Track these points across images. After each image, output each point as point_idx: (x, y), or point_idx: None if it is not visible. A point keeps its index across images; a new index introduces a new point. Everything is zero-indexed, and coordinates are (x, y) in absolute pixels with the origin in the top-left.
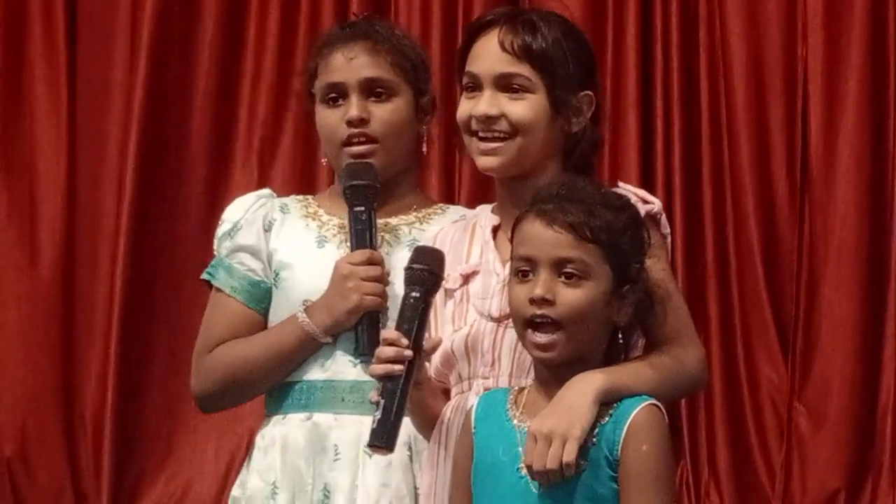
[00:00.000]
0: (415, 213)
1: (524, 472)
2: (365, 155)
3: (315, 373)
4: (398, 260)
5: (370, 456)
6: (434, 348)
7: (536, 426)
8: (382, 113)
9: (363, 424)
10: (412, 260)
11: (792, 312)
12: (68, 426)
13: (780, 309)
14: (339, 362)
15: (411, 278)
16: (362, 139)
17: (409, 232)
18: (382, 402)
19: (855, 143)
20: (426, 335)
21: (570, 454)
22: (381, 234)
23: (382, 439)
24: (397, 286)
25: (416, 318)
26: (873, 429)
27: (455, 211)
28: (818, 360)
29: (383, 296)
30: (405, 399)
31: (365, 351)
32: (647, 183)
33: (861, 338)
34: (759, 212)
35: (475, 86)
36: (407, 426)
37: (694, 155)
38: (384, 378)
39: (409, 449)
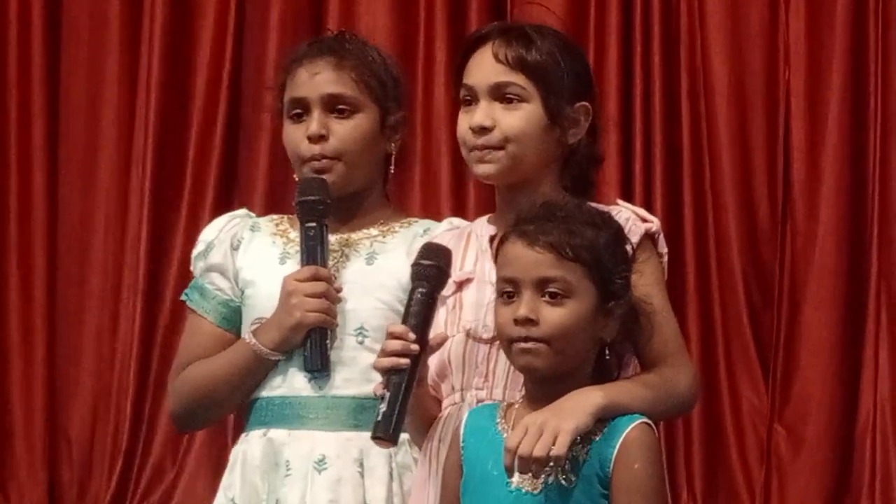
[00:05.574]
0: (378, 227)
1: (514, 485)
2: (324, 170)
3: (273, 389)
4: (355, 273)
5: (319, 472)
6: (440, 344)
7: (530, 418)
8: (343, 129)
9: (316, 440)
10: (419, 256)
11: (773, 334)
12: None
13: (761, 331)
14: (294, 378)
15: (418, 274)
16: (321, 156)
17: (370, 245)
18: (387, 394)
19: (836, 165)
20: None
21: (560, 447)
22: (342, 248)
23: (386, 431)
24: (351, 301)
25: (422, 313)
26: (852, 451)
27: (422, 224)
28: (798, 383)
29: (329, 312)
30: (409, 393)
31: (312, 367)
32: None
33: (840, 360)
34: (741, 233)
35: (472, 98)
36: (360, 441)
37: (675, 176)
38: (389, 371)
39: (360, 465)
